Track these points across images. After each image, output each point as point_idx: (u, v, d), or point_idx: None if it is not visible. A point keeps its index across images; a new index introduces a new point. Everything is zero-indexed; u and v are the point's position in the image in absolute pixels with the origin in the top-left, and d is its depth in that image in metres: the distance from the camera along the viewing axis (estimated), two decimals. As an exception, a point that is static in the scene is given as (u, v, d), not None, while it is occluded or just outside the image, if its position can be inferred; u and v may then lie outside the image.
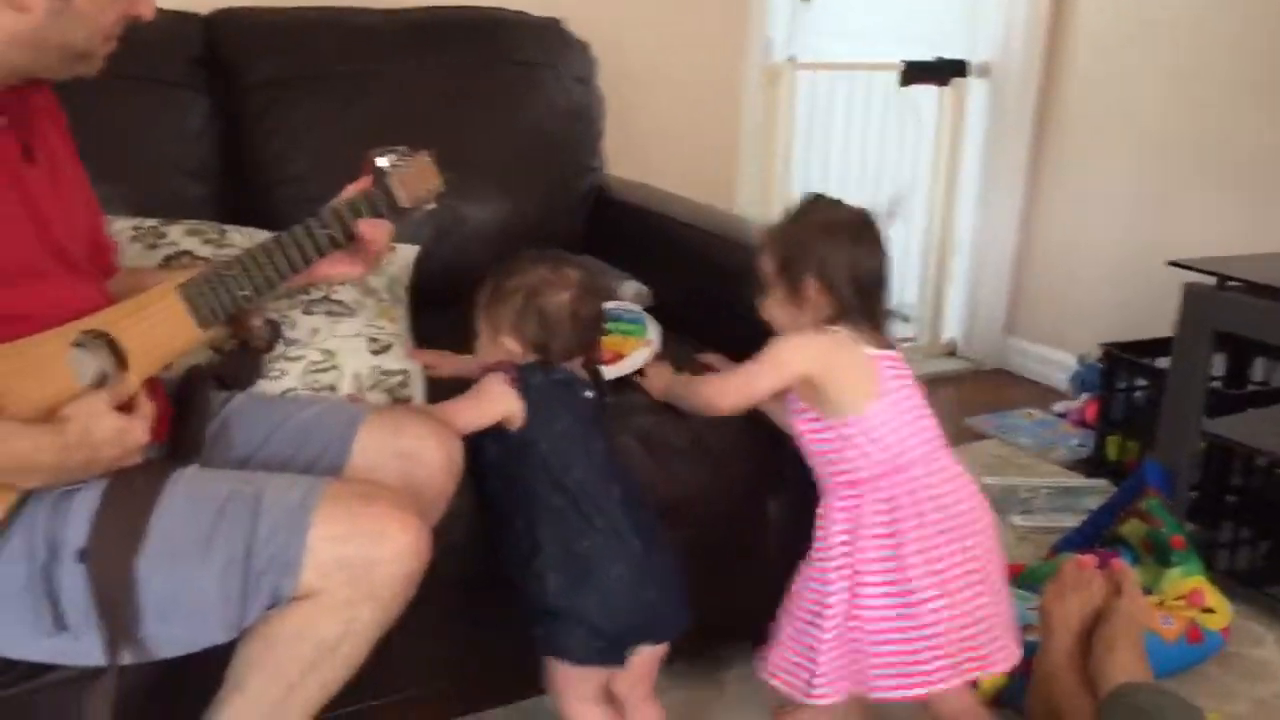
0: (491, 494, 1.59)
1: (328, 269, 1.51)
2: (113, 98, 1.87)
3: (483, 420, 1.55)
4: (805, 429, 1.66)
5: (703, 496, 1.82)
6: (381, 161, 1.50)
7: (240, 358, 1.58)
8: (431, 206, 1.58)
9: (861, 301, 1.62)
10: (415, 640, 1.59)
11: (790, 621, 1.67)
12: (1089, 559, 1.94)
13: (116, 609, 1.23)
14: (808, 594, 1.65)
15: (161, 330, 1.34)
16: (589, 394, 1.60)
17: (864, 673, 1.62)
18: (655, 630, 1.59)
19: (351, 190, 1.49)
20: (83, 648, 1.25)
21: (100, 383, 1.27)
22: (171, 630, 1.28)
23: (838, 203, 1.71)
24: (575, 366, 1.61)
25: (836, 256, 1.61)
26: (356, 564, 1.25)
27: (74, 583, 1.23)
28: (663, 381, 1.80)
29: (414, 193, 1.52)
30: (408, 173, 1.52)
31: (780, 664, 1.67)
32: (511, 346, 1.58)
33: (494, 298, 1.59)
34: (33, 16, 1.22)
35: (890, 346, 1.66)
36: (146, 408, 1.29)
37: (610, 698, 1.63)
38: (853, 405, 1.61)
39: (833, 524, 1.63)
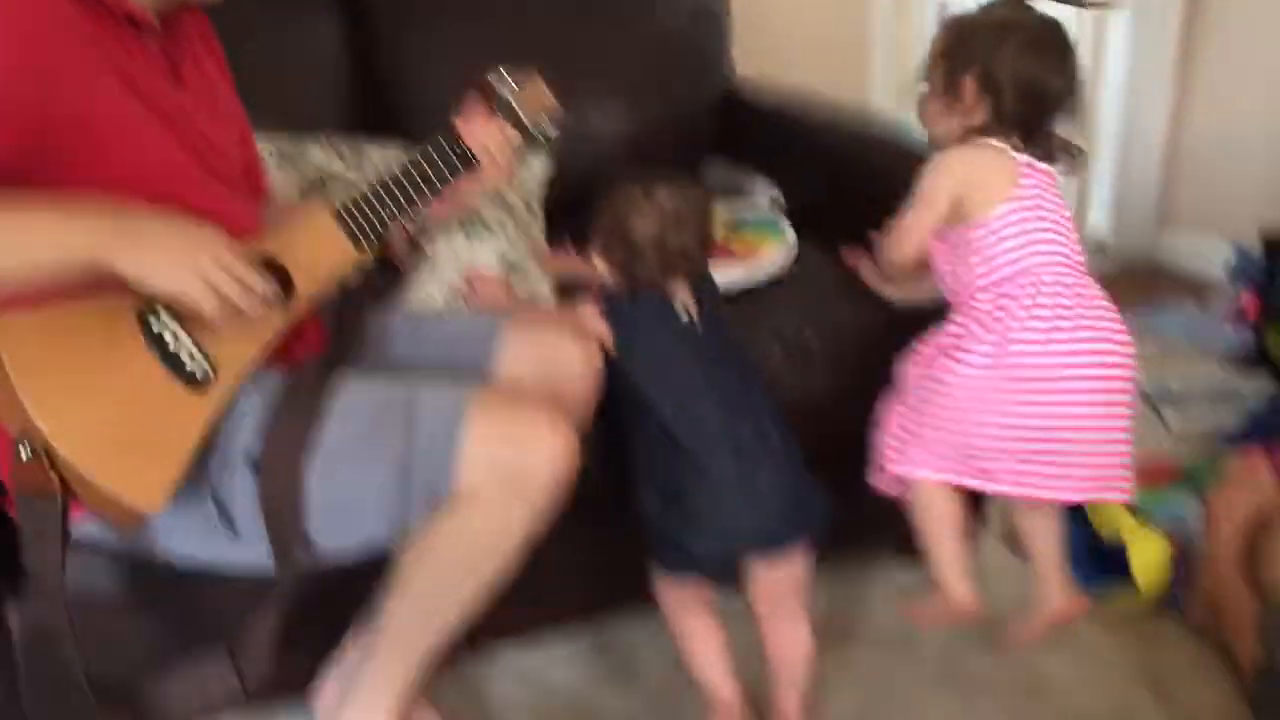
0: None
1: (458, 191, 1.51)
2: (250, 22, 1.91)
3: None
4: (937, 247, 1.59)
5: (842, 398, 1.78)
6: (497, 83, 1.52)
7: (384, 275, 1.61)
8: (555, 133, 1.58)
9: (1025, 116, 1.51)
10: (542, 561, 1.64)
11: (899, 410, 1.61)
12: (1257, 457, 1.86)
13: (286, 516, 1.27)
14: (927, 379, 1.58)
15: (321, 253, 1.38)
16: (684, 317, 1.55)
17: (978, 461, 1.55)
18: (762, 548, 1.54)
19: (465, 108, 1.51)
20: (253, 554, 1.30)
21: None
22: (337, 532, 1.32)
23: (1028, 7, 1.56)
24: (677, 286, 1.55)
25: (1003, 58, 1.49)
26: (508, 465, 1.28)
27: (245, 489, 1.28)
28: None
29: (532, 111, 1.54)
30: (524, 93, 1.53)
31: (886, 455, 1.62)
32: (600, 266, 1.56)
33: (596, 214, 1.56)
34: None
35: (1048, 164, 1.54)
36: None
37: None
38: (983, 210, 1.52)
39: (959, 333, 1.55)
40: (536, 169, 1.89)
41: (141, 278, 1.17)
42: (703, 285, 1.58)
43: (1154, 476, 2.16)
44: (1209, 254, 3.30)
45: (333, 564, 1.37)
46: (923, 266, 1.63)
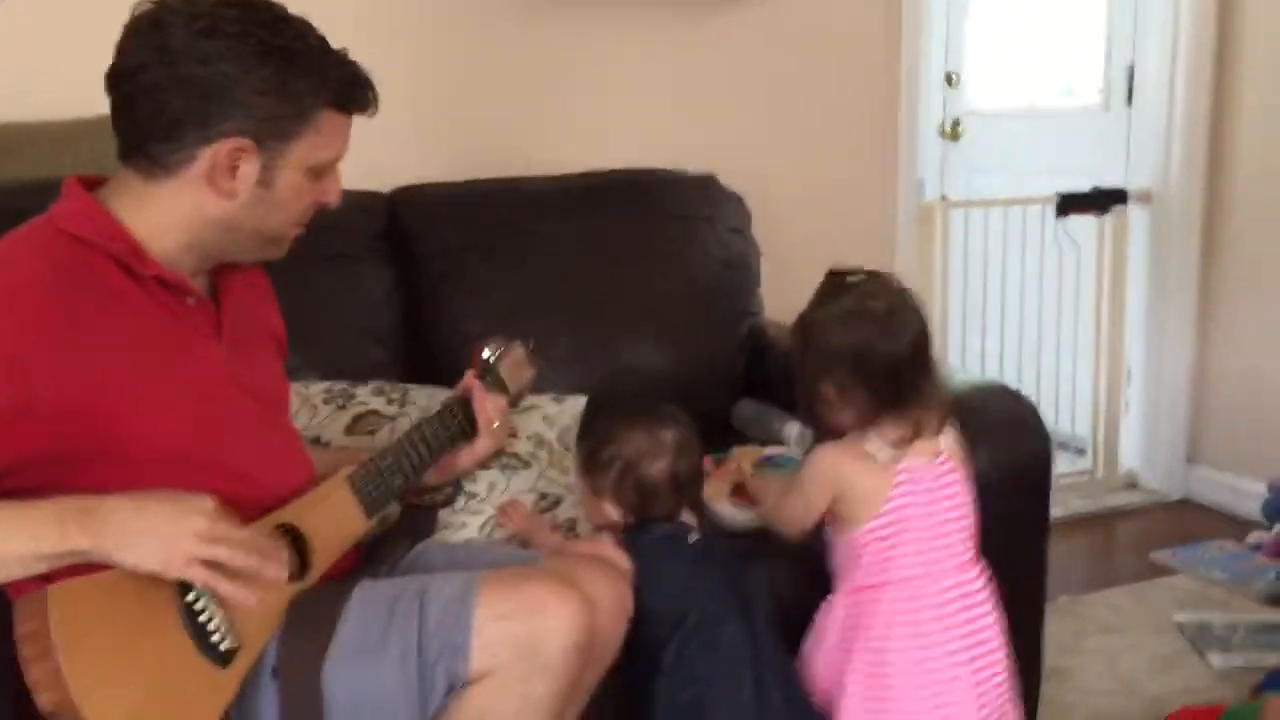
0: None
1: (455, 459, 1.61)
2: (306, 273, 2.03)
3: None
4: (828, 530, 1.66)
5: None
6: (486, 353, 1.68)
7: (421, 512, 1.66)
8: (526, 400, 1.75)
9: (887, 390, 1.54)
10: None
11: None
12: None
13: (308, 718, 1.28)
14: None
15: (337, 522, 1.44)
16: (694, 538, 1.61)
17: None
18: None
19: (466, 381, 1.64)
20: None
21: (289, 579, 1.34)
22: None
23: (842, 286, 1.60)
24: (681, 513, 1.63)
25: (833, 352, 1.55)
26: (522, 638, 1.30)
27: (269, 701, 1.30)
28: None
29: (516, 381, 1.70)
30: (509, 362, 1.69)
31: None
32: (610, 511, 1.62)
33: (591, 464, 1.62)
34: (236, 203, 1.33)
35: (933, 431, 1.59)
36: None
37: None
38: (855, 522, 1.59)
39: (831, 623, 1.62)
40: (570, 404, 1.96)
41: (136, 564, 1.18)
42: (701, 506, 1.65)
43: (1198, 717, 2.11)
44: (1242, 491, 3.30)
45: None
46: None
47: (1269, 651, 2.44)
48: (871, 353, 1.54)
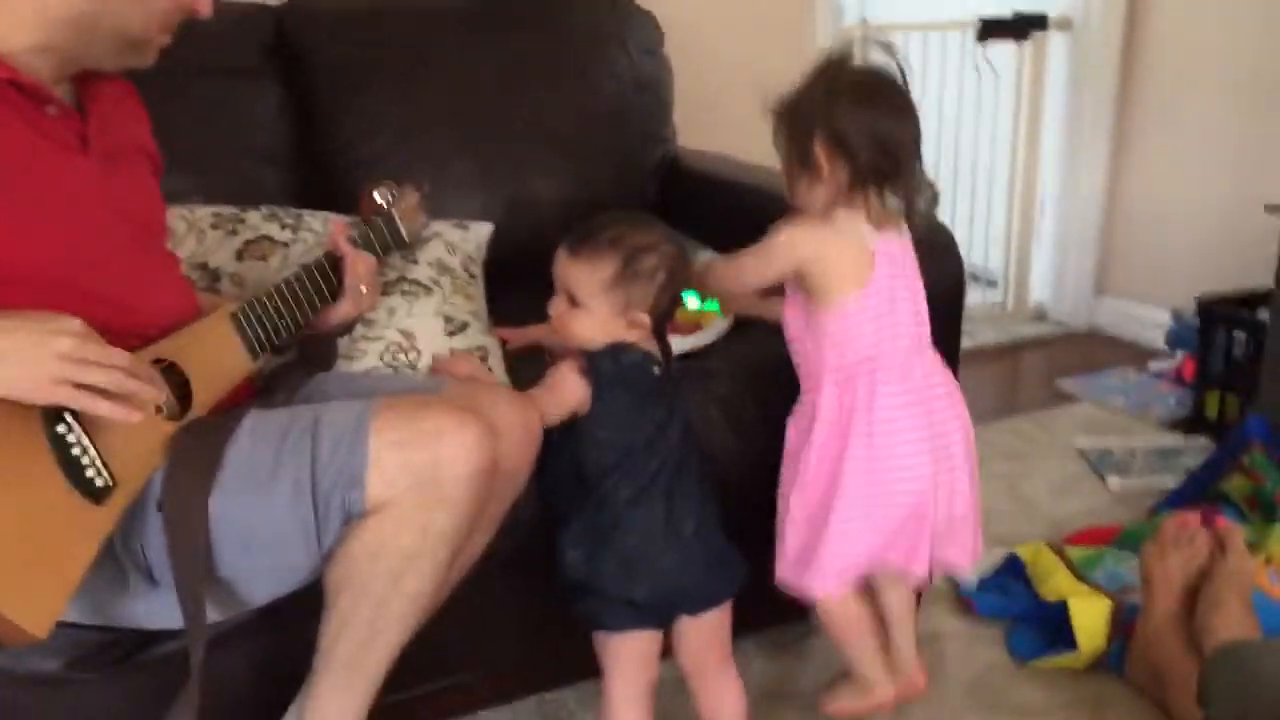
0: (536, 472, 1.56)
1: (322, 317, 1.53)
2: (189, 89, 1.92)
3: (561, 412, 1.50)
4: (790, 317, 1.63)
5: (777, 462, 1.79)
6: (380, 197, 1.61)
7: (319, 341, 1.59)
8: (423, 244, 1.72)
9: (880, 166, 1.52)
10: (484, 619, 1.62)
11: (789, 522, 1.64)
12: (1191, 516, 1.88)
13: (193, 550, 1.23)
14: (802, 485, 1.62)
15: (219, 360, 1.36)
16: (657, 369, 1.56)
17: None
18: (688, 599, 1.55)
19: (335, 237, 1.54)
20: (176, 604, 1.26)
21: (158, 412, 1.27)
22: (256, 566, 1.30)
23: (847, 62, 1.59)
24: (646, 341, 1.56)
25: (841, 116, 1.51)
26: (421, 467, 1.26)
27: (155, 533, 1.25)
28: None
29: (411, 226, 1.65)
30: (403, 207, 1.63)
31: (787, 568, 1.64)
32: (644, 323, 1.51)
33: (628, 275, 1.49)
34: None
35: (907, 217, 1.59)
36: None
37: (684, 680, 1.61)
38: (836, 297, 1.56)
39: (814, 413, 1.60)
40: (475, 231, 1.89)
41: (3, 391, 1.10)
42: (664, 340, 1.59)
43: (1094, 538, 2.18)
44: (1146, 321, 3.36)
45: (260, 606, 1.35)
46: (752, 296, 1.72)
47: (1165, 474, 2.52)
48: (880, 126, 1.52)
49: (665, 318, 1.56)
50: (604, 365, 1.50)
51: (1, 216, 1.19)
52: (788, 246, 1.57)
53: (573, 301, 1.51)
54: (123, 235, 1.34)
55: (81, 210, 1.29)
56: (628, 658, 1.53)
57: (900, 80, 1.56)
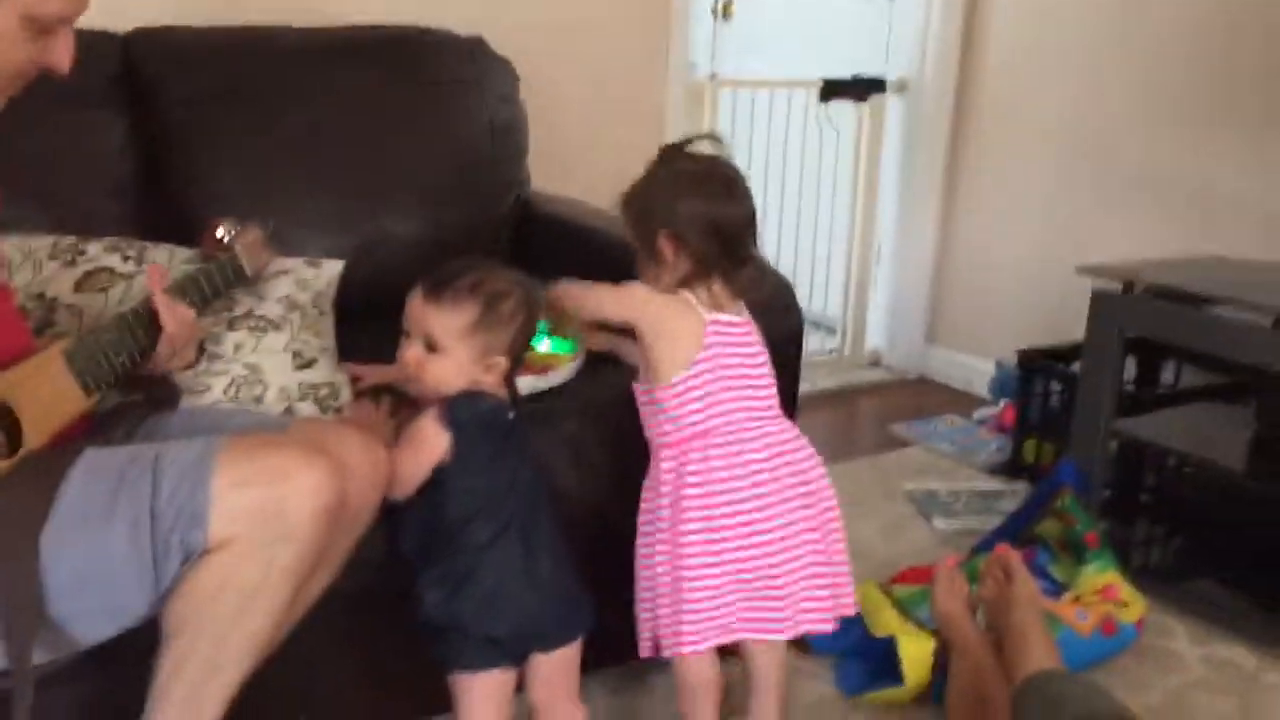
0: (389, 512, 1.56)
1: (165, 360, 1.50)
2: (30, 115, 1.84)
3: (423, 468, 1.50)
4: (637, 391, 1.70)
5: (623, 502, 1.83)
6: (220, 233, 1.63)
7: (155, 382, 1.56)
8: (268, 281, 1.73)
9: (718, 253, 1.60)
10: (324, 658, 1.62)
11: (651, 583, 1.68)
12: (952, 558, 2.06)
13: (23, 590, 1.21)
14: (654, 554, 1.67)
15: (51, 398, 1.32)
16: (510, 414, 1.59)
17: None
18: (544, 637, 1.58)
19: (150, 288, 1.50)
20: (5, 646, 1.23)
21: None
22: (88, 606, 1.27)
23: (684, 153, 1.68)
24: (499, 387, 1.58)
25: (684, 211, 1.59)
26: (265, 505, 1.26)
27: None
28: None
29: (254, 263, 1.65)
30: (246, 242, 1.64)
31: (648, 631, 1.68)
32: (502, 367, 1.54)
33: (488, 320, 1.52)
34: None
35: (745, 296, 1.67)
36: None
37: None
38: (668, 373, 1.63)
39: (658, 484, 1.66)
40: (327, 269, 1.89)
41: None
42: (513, 384, 1.62)
43: (920, 577, 2.28)
44: (973, 369, 3.55)
45: (92, 646, 1.32)
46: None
47: (987, 515, 2.66)
48: (718, 214, 1.60)
49: (518, 362, 1.59)
50: (462, 413, 1.52)
51: None
52: (640, 302, 1.64)
53: (430, 347, 1.53)
54: None
55: None
56: (485, 696, 1.55)
57: (730, 166, 1.66)
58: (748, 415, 1.65)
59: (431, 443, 1.50)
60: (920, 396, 3.59)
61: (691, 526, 1.62)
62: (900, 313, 3.74)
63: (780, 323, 1.93)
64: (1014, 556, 1.99)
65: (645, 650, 1.69)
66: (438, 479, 1.52)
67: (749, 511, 1.63)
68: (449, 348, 1.52)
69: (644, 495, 1.70)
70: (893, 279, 3.73)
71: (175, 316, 1.47)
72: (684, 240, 1.60)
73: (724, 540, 1.62)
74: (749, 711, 1.77)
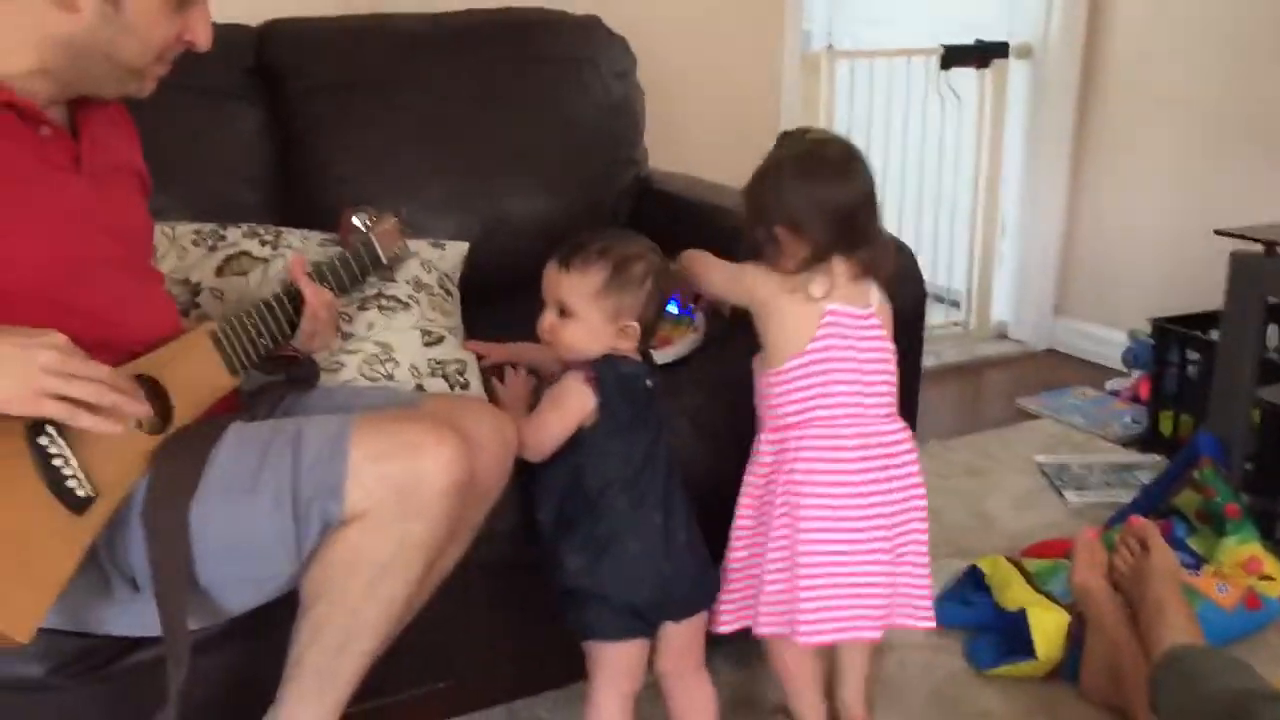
0: (534, 481, 1.61)
1: (305, 341, 1.56)
2: (170, 109, 1.92)
3: (568, 427, 1.54)
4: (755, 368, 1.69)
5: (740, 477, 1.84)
6: (358, 221, 1.67)
7: (297, 362, 1.62)
8: (402, 265, 1.78)
9: (838, 236, 1.58)
10: (459, 627, 1.66)
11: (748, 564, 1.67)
12: (1093, 530, 1.99)
13: (174, 558, 1.27)
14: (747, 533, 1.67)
15: (199, 377, 1.39)
16: (649, 382, 1.61)
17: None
18: (679, 605, 1.60)
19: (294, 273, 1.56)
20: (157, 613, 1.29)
21: (139, 426, 1.30)
22: (236, 574, 1.33)
23: (796, 138, 1.66)
24: (633, 352, 1.61)
25: (797, 197, 1.58)
26: (399, 479, 1.30)
27: (137, 542, 1.28)
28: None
29: (389, 249, 1.70)
30: (381, 230, 1.68)
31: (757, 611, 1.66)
32: (634, 331, 1.56)
33: (618, 282, 1.54)
34: (80, 18, 1.25)
35: (868, 276, 1.63)
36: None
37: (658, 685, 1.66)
38: (775, 359, 1.62)
39: (755, 464, 1.66)
40: (451, 250, 1.94)
41: None
42: (648, 354, 1.65)
43: (1052, 550, 2.24)
44: (1103, 341, 3.45)
45: (238, 615, 1.39)
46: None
47: (1121, 489, 2.59)
48: (826, 195, 1.58)
49: (651, 330, 1.60)
50: (607, 375, 1.55)
51: None
52: (750, 285, 1.64)
53: (564, 312, 1.56)
54: (112, 253, 1.37)
55: (73, 228, 1.32)
56: (619, 665, 1.58)
57: (842, 144, 1.64)
58: (851, 413, 1.62)
59: (578, 403, 1.53)
60: (1049, 369, 3.50)
61: (779, 520, 1.61)
62: (1027, 284, 3.65)
63: (902, 286, 1.90)
64: (1151, 527, 1.93)
65: (724, 626, 1.68)
66: (578, 442, 1.55)
67: (834, 510, 1.60)
68: (581, 311, 1.55)
69: (746, 470, 1.69)
70: (1018, 250, 3.64)
71: (320, 300, 1.53)
72: (799, 227, 1.58)
73: (808, 537, 1.60)
74: (838, 687, 1.78)
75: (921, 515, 1.68)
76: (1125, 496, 2.51)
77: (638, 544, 1.54)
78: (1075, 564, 1.96)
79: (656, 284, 1.58)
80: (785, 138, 1.68)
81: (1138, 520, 1.98)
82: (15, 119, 1.27)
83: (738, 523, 1.67)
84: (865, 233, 1.61)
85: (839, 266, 1.61)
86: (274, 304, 1.51)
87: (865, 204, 1.61)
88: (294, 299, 1.53)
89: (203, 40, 1.36)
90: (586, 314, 1.55)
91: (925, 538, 1.69)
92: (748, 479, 1.67)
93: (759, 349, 1.70)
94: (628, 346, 1.58)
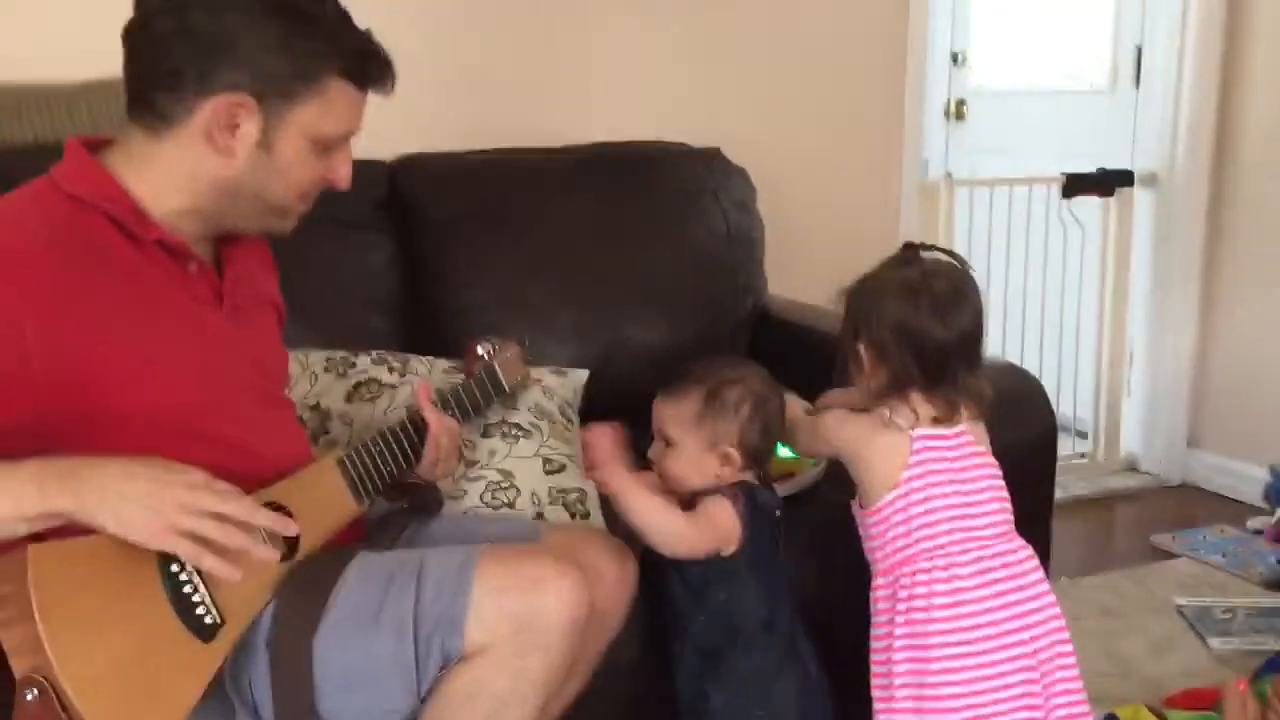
0: (672, 613, 1.58)
1: (429, 468, 1.56)
2: (306, 239, 2.00)
3: (706, 546, 1.51)
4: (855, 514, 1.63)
5: (857, 612, 1.77)
6: (482, 350, 1.69)
7: (425, 488, 1.64)
8: (524, 393, 1.77)
9: (919, 370, 1.50)
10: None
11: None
12: (1243, 680, 1.85)
13: (296, 692, 1.27)
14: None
15: (325, 505, 1.41)
16: (779, 512, 1.58)
17: None
18: None
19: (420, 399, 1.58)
20: None
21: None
22: (357, 706, 1.32)
23: (910, 257, 1.58)
24: (734, 478, 1.58)
25: (887, 319, 1.50)
26: (519, 614, 1.29)
27: (261, 668, 1.29)
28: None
29: (511, 377, 1.69)
30: (504, 359, 1.69)
31: None
32: (735, 459, 1.54)
33: (713, 408, 1.54)
34: (235, 163, 1.30)
35: (960, 416, 1.55)
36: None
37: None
38: (871, 497, 1.55)
39: (875, 611, 1.58)
40: (572, 377, 1.95)
41: (119, 529, 1.15)
42: (769, 485, 1.63)
43: (1197, 700, 2.12)
44: (1242, 475, 3.30)
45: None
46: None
47: (1268, 635, 2.44)
48: (919, 329, 1.50)
49: (762, 458, 1.58)
50: (758, 498, 1.54)
51: (144, 364, 1.27)
52: (831, 433, 1.61)
53: (667, 441, 1.55)
54: (250, 384, 1.41)
55: (215, 360, 1.36)
56: None
57: (953, 279, 1.55)
58: (963, 539, 1.54)
59: (721, 519, 1.51)
60: (1183, 504, 3.35)
61: (901, 669, 1.52)
62: (1157, 415, 3.52)
63: (1028, 414, 1.85)
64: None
65: None
66: (717, 571, 1.52)
67: (962, 649, 1.51)
68: (678, 439, 1.55)
69: (871, 628, 1.61)
70: (1147, 380, 3.53)
71: (442, 427, 1.55)
72: (882, 351, 1.52)
73: (937, 686, 1.51)
74: None
75: (1064, 639, 1.58)
76: (1274, 643, 2.37)
77: (794, 686, 1.51)
78: (1226, 718, 1.83)
79: (756, 410, 1.55)
80: (906, 250, 1.62)
81: (1242, 684, 1.84)
82: (165, 255, 1.33)
83: (874, 682, 1.58)
84: (953, 374, 1.54)
85: (917, 400, 1.54)
86: (399, 431, 1.53)
87: (961, 346, 1.54)
88: (418, 426, 1.55)
89: (343, 180, 1.41)
90: (683, 442, 1.55)
91: (1075, 671, 1.59)
92: (874, 630, 1.60)
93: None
94: (729, 474, 1.55)
